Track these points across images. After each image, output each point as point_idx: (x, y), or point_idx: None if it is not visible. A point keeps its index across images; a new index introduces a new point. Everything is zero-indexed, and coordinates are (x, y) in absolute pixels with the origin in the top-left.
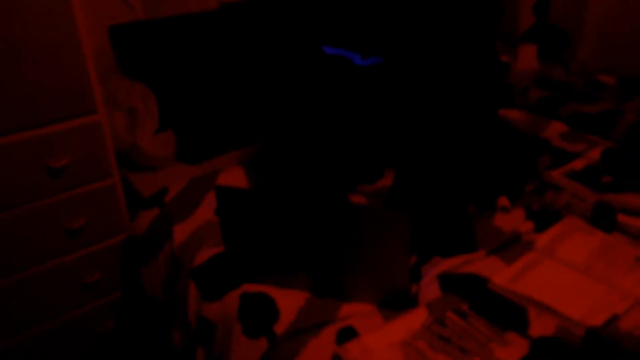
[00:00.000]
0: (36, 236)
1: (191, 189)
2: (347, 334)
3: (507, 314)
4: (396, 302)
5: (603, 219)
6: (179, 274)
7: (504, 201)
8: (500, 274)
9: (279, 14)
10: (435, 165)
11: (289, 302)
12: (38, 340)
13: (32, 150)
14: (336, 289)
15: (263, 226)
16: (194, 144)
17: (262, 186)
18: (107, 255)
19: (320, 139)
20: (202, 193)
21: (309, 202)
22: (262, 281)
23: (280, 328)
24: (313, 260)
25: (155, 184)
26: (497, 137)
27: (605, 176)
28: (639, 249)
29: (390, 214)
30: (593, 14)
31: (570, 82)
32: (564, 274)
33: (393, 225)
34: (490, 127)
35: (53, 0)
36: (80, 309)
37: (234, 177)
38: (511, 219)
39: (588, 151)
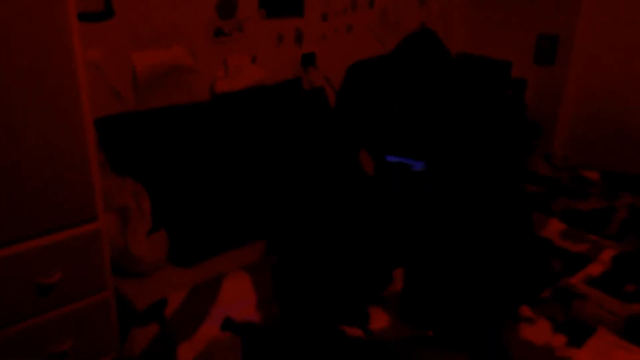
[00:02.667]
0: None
1: (193, 300)
2: None
3: None
4: None
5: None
6: None
7: (526, 311)
8: None
9: (273, 105)
10: (457, 272)
11: None
12: None
13: (22, 266)
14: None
15: None
16: (188, 244)
17: (281, 321)
18: None
19: (335, 250)
20: (206, 304)
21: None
22: None
23: None
24: None
25: (150, 293)
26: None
27: (628, 284)
28: None
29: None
30: (566, 109)
31: (557, 177)
32: None
33: None
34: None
35: (62, 102)
36: None
37: (240, 284)
38: (538, 331)
39: (594, 253)
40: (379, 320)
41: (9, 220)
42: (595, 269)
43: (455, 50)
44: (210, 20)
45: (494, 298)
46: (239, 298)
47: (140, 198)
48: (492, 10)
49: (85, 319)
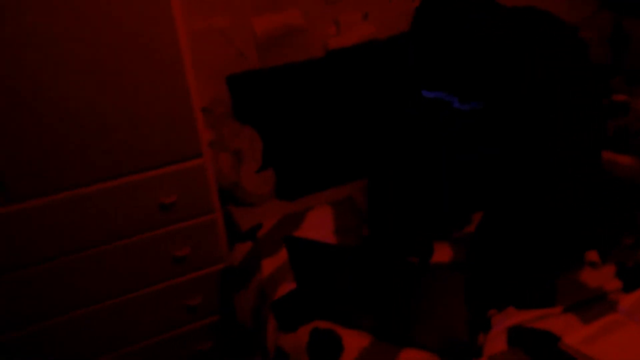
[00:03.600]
0: (147, 262)
1: (282, 226)
2: None
3: None
4: (458, 353)
5: None
6: (264, 304)
7: (593, 256)
8: (574, 333)
9: (384, 60)
10: (524, 215)
11: (354, 341)
12: (147, 351)
13: (146, 189)
14: (399, 335)
15: (332, 276)
16: (291, 182)
17: (331, 246)
18: (207, 281)
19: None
20: (291, 230)
21: (372, 260)
22: (332, 319)
23: None
24: (378, 308)
25: (254, 218)
26: (595, 187)
27: None
28: None
29: (445, 274)
30: None
31: None
32: None
33: (448, 283)
34: (589, 177)
35: (166, 59)
36: (184, 328)
37: (323, 215)
38: (599, 275)
39: None
40: (442, 255)
41: (133, 155)
42: None
43: None
44: None
45: (563, 247)
46: (318, 226)
47: (255, 142)
48: None
49: (199, 234)
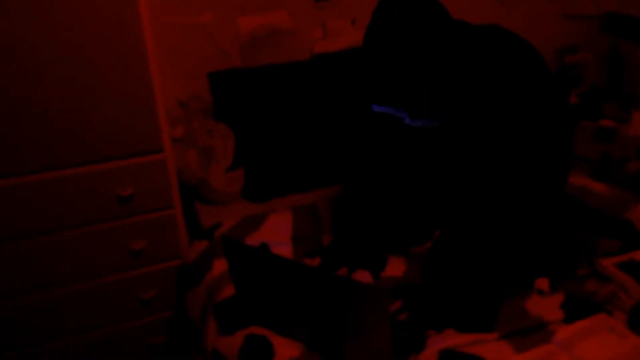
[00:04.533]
0: (102, 252)
1: (241, 227)
2: None
3: None
4: None
5: None
6: (210, 305)
7: (542, 284)
8: None
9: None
10: (481, 235)
11: (286, 350)
12: (99, 341)
13: (103, 180)
14: (329, 348)
15: (266, 282)
16: (259, 184)
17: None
18: (163, 276)
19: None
20: (249, 232)
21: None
22: (267, 326)
23: None
24: (310, 320)
25: (218, 218)
26: (557, 214)
27: None
28: None
29: (372, 290)
30: None
31: None
32: None
33: (374, 301)
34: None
35: (130, 56)
36: (137, 321)
37: (283, 220)
38: (545, 305)
39: None
40: (396, 269)
41: (90, 146)
42: None
43: None
44: None
45: (512, 272)
46: (277, 231)
47: (228, 141)
48: None
49: (156, 229)
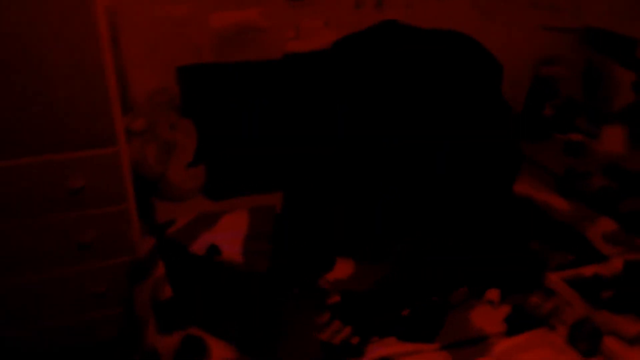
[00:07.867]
0: (51, 244)
1: (194, 225)
2: None
3: None
4: None
5: (583, 340)
6: (152, 303)
7: (493, 294)
8: None
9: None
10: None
11: (220, 352)
12: (49, 333)
13: (53, 171)
14: (260, 351)
15: (202, 285)
16: (219, 182)
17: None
18: (113, 271)
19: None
20: (202, 230)
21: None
22: (204, 327)
23: None
24: (242, 322)
25: (174, 213)
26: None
27: (606, 291)
28: None
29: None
30: None
31: None
32: None
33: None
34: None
35: (82, 45)
36: (86, 315)
37: (238, 219)
38: (490, 316)
39: (617, 257)
40: (344, 270)
41: (40, 136)
42: (589, 270)
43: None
44: None
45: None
46: (231, 230)
47: (190, 136)
48: None
49: (107, 223)
